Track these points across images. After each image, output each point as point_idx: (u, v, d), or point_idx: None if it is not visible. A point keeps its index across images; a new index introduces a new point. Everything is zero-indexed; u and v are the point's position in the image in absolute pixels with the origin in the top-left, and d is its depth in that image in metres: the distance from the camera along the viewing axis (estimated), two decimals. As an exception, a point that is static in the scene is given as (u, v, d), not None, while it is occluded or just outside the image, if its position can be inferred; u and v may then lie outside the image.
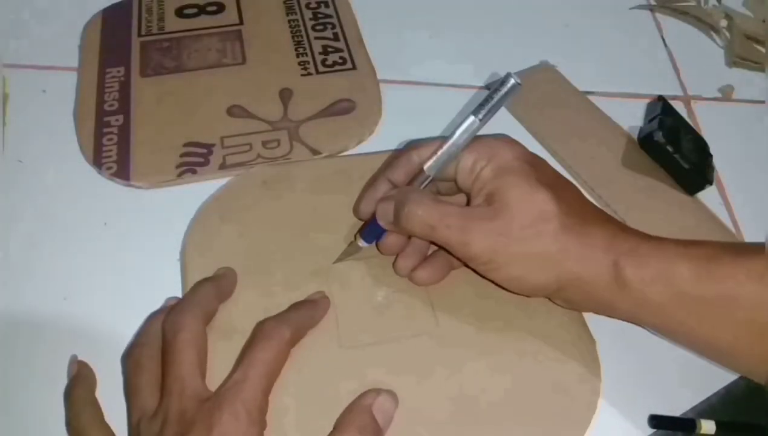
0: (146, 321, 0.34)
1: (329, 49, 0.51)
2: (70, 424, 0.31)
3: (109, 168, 0.42)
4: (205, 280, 0.35)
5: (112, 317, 0.36)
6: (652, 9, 0.57)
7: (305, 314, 0.35)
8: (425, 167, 0.34)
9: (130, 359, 0.32)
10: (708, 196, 0.44)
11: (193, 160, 0.43)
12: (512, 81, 0.31)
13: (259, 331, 0.32)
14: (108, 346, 0.34)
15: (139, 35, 0.51)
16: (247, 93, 0.47)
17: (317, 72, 0.49)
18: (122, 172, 0.42)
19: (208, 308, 0.34)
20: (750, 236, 0.43)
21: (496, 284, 0.34)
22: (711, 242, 0.32)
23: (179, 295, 0.36)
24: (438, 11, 0.55)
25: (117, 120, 0.45)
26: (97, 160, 0.42)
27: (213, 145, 0.44)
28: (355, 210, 0.38)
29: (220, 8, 0.53)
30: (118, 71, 0.48)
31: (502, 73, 0.32)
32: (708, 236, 0.42)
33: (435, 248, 0.37)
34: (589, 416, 0.33)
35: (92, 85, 0.47)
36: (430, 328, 0.36)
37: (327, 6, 0.54)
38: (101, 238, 0.39)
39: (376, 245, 0.37)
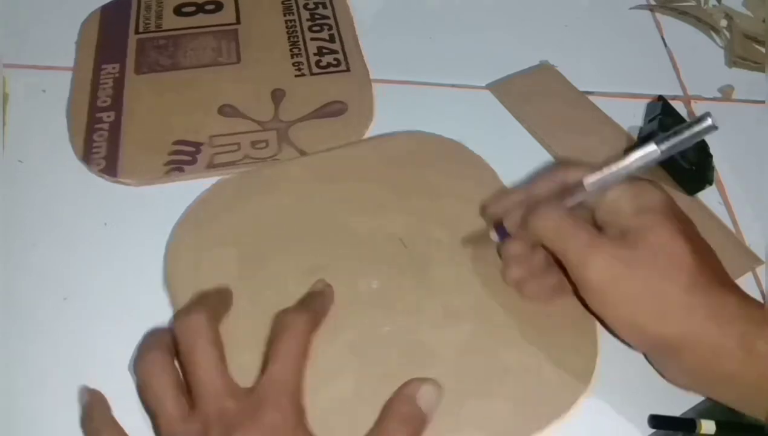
0: (145, 336, 0.33)
1: (324, 51, 0.50)
2: None
3: (98, 164, 0.42)
4: (208, 291, 0.35)
5: (112, 317, 0.36)
6: (652, 9, 0.57)
7: (318, 302, 0.35)
8: (586, 183, 0.32)
9: (143, 365, 0.31)
10: (708, 196, 0.44)
11: (181, 159, 0.42)
12: (709, 121, 0.29)
13: (281, 323, 0.32)
14: (108, 345, 0.34)
15: (137, 32, 0.50)
16: (240, 92, 0.47)
17: (311, 73, 0.49)
18: (110, 168, 0.42)
19: (217, 313, 0.33)
20: (750, 236, 0.42)
21: (604, 326, 0.33)
22: None
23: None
24: (438, 11, 0.55)
25: (108, 116, 0.44)
26: (87, 156, 0.42)
27: (202, 143, 0.43)
28: (483, 209, 0.37)
29: (218, 7, 0.53)
30: (113, 68, 0.48)
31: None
32: (708, 236, 0.41)
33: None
34: (584, 385, 0.34)
35: (86, 82, 0.46)
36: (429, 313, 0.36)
37: (325, 7, 0.54)
38: (102, 238, 0.39)
39: (497, 246, 0.36)
